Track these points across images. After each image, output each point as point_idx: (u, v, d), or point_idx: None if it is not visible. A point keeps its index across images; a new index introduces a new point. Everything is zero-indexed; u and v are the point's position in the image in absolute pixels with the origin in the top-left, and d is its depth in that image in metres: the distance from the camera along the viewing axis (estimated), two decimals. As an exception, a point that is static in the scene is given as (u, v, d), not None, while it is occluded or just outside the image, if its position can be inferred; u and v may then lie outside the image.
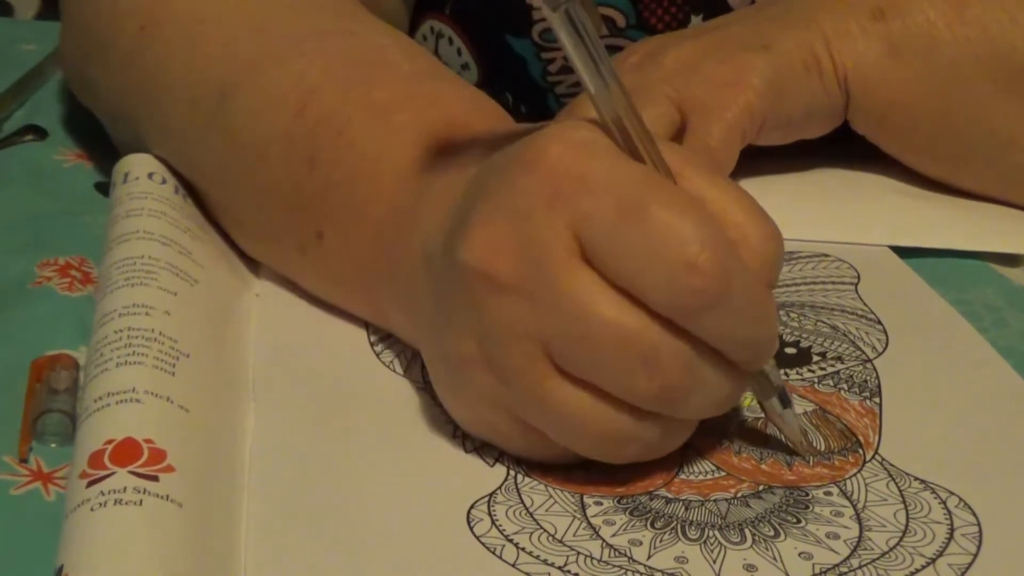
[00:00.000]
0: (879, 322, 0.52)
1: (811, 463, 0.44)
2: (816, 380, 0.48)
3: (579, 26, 0.39)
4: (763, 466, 0.44)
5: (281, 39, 0.54)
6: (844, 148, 0.62)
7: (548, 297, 0.39)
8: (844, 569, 0.39)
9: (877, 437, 0.45)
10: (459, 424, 0.44)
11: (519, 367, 0.40)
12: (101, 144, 0.64)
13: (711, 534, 0.40)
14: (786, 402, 0.43)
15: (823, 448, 0.44)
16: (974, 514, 0.41)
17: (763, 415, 0.45)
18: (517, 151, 0.41)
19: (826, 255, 0.57)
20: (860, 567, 0.39)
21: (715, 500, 0.42)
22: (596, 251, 0.38)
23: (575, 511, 0.41)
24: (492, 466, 0.43)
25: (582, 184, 0.39)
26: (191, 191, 0.56)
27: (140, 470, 0.38)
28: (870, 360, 0.49)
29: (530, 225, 0.39)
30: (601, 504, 0.42)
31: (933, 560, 0.39)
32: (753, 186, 0.43)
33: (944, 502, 0.42)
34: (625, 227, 0.38)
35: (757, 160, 0.60)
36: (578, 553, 0.39)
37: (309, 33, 0.54)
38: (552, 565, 0.39)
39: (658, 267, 0.38)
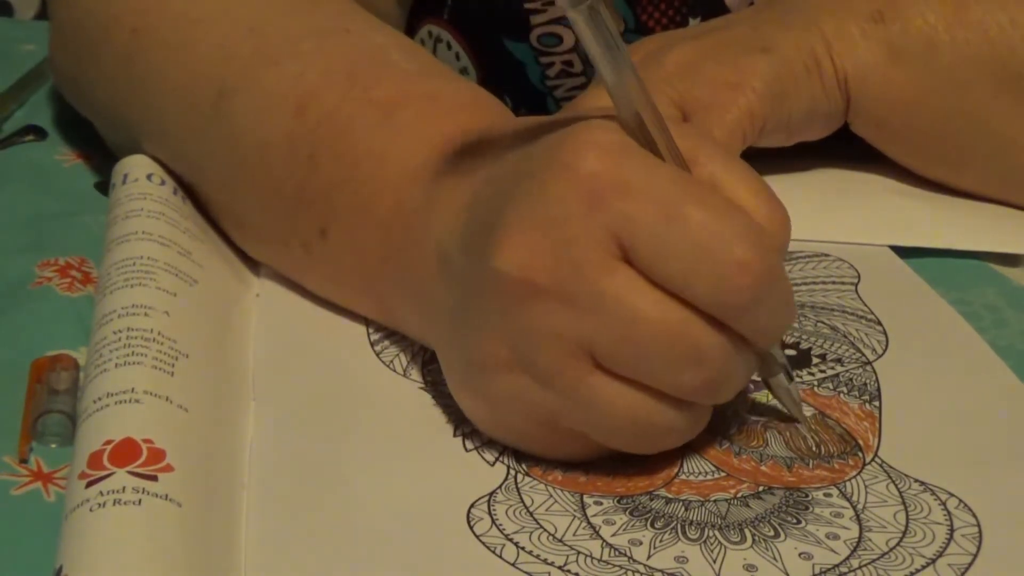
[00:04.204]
0: (879, 323, 0.52)
1: (811, 465, 0.44)
2: (816, 383, 0.48)
3: (600, 22, 0.39)
4: (763, 467, 0.44)
5: (277, 39, 0.54)
6: (844, 148, 0.62)
7: (591, 299, 0.39)
8: (844, 569, 0.39)
9: (877, 440, 0.45)
10: (476, 425, 0.44)
11: (559, 368, 0.40)
12: (101, 144, 0.64)
13: (711, 534, 0.40)
14: (790, 376, 0.45)
15: (823, 452, 0.44)
16: (974, 515, 0.41)
17: (762, 415, 0.45)
18: (546, 156, 0.41)
19: (826, 255, 0.57)
20: (860, 567, 0.39)
21: (715, 500, 0.42)
22: (639, 253, 0.39)
23: (575, 511, 0.41)
24: (492, 465, 0.43)
25: (622, 188, 0.39)
26: (190, 193, 0.56)
27: (139, 470, 0.38)
28: (870, 363, 0.49)
29: (568, 230, 0.39)
30: (601, 504, 0.42)
31: (933, 560, 0.39)
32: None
33: (944, 503, 0.42)
34: (670, 229, 0.39)
35: (757, 160, 0.60)
36: (578, 552, 0.39)
37: (306, 32, 0.54)
38: (552, 564, 0.39)
39: (706, 267, 0.39)
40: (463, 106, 0.50)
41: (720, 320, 0.39)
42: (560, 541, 0.40)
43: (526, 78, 0.72)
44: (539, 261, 0.39)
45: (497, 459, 0.43)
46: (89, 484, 0.38)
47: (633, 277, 0.39)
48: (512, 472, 0.43)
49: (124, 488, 0.37)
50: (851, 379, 0.48)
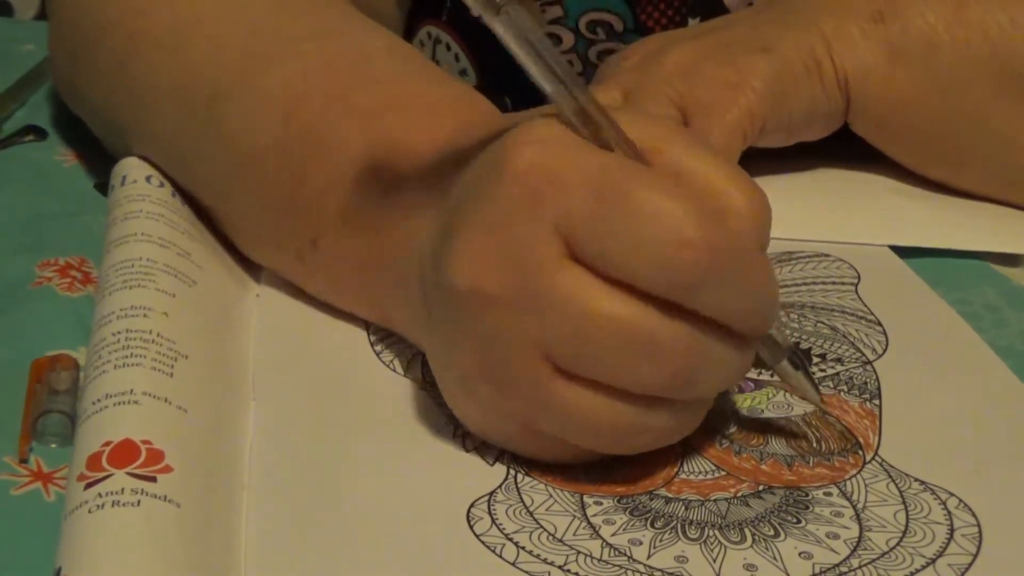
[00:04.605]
0: (879, 323, 0.52)
1: (811, 464, 0.44)
2: (816, 382, 0.48)
3: (523, 27, 0.39)
4: (763, 466, 0.44)
5: (268, 42, 0.53)
6: (844, 148, 0.62)
7: (540, 302, 0.38)
8: (844, 569, 0.39)
9: (877, 439, 0.45)
10: (473, 432, 0.44)
11: (521, 377, 0.39)
12: (101, 144, 0.64)
13: (711, 533, 0.40)
14: (797, 363, 0.43)
15: (823, 449, 0.44)
16: (974, 515, 0.41)
17: (763, 413, 0.45)
18: (489, 160, 0.40)
19: (826, 255, 0.57)
20: (860, 567, 0.39)
21: (715, 500, 0.42)
22: (582, 245, 0.38)
23: (575, 511, 0.41)
24: (492, 465, 0.43)
25: (556, 181, 0.38)
26: (186, 196, 0.56)
27: (138, 471, 0.38)
28: (870, 362, 0.49)
29: (512, 233, 0.39)
30: (601, 504, 0.42)
31: (933, 560, 0.39)
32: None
33: (944, 503, 0.42)
34: (607, 215, 0.38)
35: (757, 160, 0.60)
36: (578, 552, 0.39)
37: (296, 35, 0.53)
38: (552, 564, 0.39)
39: (646, 248, 0.37)
40: (447, 110, 0.49)
41: (677, 305, 0.38)
42: (560, 541, 0.40)
43: (525, 78, 0.72)
44: (488, 269, 0.39)
45: (497, 459, 0.43)
46: (88, 486, 0.38)
47: (581, 273, 0.38)
48: (512, 472, 0.43)
49: (123, 489, 0.37)
50: (851, 378, 0.48)
